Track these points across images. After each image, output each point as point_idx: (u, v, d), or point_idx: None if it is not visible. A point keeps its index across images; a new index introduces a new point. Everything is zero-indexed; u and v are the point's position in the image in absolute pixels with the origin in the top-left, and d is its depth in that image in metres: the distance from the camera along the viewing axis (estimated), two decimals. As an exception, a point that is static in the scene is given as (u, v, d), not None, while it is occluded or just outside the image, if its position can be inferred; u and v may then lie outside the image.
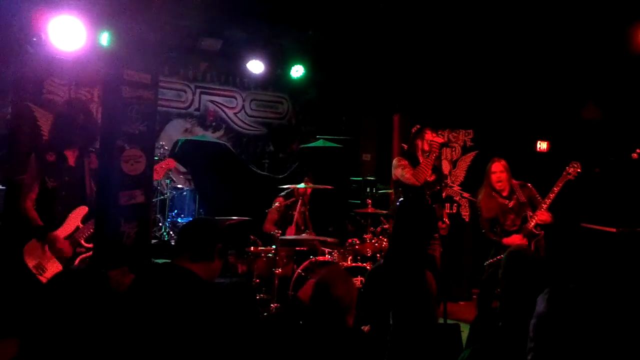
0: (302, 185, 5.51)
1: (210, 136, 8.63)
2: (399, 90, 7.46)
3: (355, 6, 6.15)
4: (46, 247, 4.01)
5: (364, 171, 8.43)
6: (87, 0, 4.81)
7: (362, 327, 3.14)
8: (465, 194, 6.79)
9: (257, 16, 6.46)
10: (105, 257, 3.54)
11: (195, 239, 2.38)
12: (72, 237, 4.09)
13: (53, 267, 3.99)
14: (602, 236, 5.58)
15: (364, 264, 5.03)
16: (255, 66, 7.71)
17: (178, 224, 7.39)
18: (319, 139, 8.03)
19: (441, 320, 3.67)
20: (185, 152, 6.94)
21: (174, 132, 8.46)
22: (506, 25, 6.15)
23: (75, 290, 1.84)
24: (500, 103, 7.06)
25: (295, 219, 5.70)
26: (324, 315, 2.45)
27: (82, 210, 4.16)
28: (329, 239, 5.55)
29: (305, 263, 5.07)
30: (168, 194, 7.61)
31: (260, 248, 5.21)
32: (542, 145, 7.57)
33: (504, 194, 4.85)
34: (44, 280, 3.91)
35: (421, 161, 4.74)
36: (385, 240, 5.20)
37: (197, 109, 8.83)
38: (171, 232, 7.18)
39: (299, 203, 5.65)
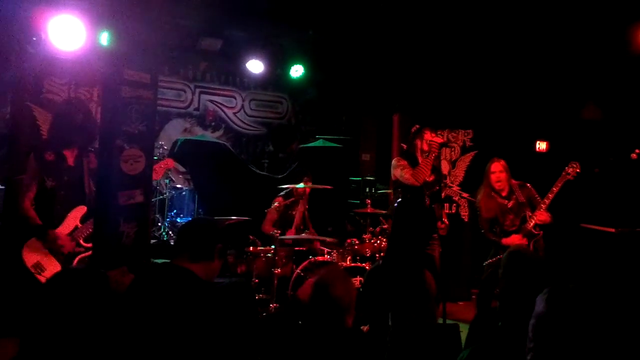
0: (301, 185, 5.50)
1: (209, 136, 8.63)
2: (398, 90, 7.46)
3: (355, 6, 6.15)
4: (45, 247, 4.01)
5: (364, 171, 8.43)
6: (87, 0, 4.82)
7: (362, 327, 3.14)
8: (465, 194, 6.79)
9: (257, 16, 6.46)
10: (105, 257, 3.54)
11: (195, 239, 2.38)
12: (71, 237, 4.09)
13: (52, 267, 3.99)
14: (602, 236, 5.58)
15: (363, 264, 5.03)
16: (255, 66, 7.71)
17: (177, 224, 7.39)
18: (319, 138, 8.02)
19: (440, 320, 3.67)
20: (185, 152, 6.94)
21: (173, 132, 8.46)
22: (506, 25, 6.15)
23: (75, 290, 1.84)
24: (500, 103, 7.06)
25: (295, 220, 5.71)
26: (323, 315, 2.45)
27: (81, 209, 4.16)
28: (328, 239, 5.56)
29: (305, 263, 5.08)
30: (167, 194, 7.62)
31: (259, 248, 5.22)
32: (541, 146, 7.57)
33: (503, 194, 4.85)
34: (42, 279, 3.91)
35: (420, 161, 4.74)
36: (384, 240, 5.20)
37: (197, 109, 8.84)
38: (170, 232, 7.18)
39: (301, 203, 5.66)
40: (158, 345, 2.07)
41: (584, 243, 5.81)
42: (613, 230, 5.46)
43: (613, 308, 1.46)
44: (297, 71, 8.03)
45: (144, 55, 3.75)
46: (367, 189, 7.72)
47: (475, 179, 5.76)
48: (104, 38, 4.70)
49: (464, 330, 2.70)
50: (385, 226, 5.39)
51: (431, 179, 4.72)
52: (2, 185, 4.76)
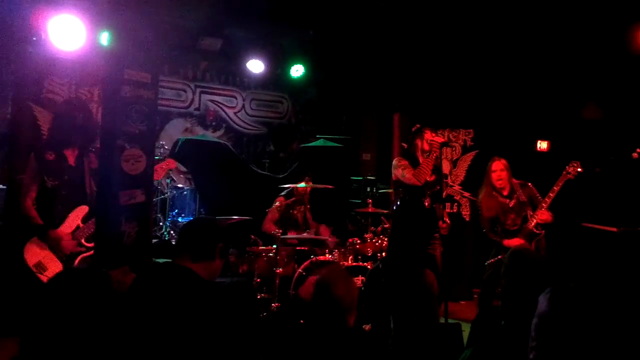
0: (302, 184, 5.50)
1: (210, 136, 8.62)
2: (399, 89, 7.46)
3: (356, 6, 6.15)
4: (47, 246, 4.02)
5: (364, 171, 8.42)
6: (87, -1, 4.82)
7: (363, 326, 3.14)
8: (466, 194, 6.80)
9: (257, 15, 6.45)
10: (106, 257, 3.54)
11: (196, 238, 2.38)
12: (72, 237, 4.09)
13: (53, 266, 4.00)
14: (603, 236, 5.58)
15: (365, 264, 5.02)
16: (255, 65, 7.71)
17: (178, 224, 7.39)
18: (319, 138, 8.01)
19: (442, 320, 3.67)
20: (186, 152, 6.93)
21: (174, 132, 8.45)
22: (506, 25, 6.15)
23: (76, 290, 1.84)
24: (501, 102, 7.06)
25: (299, 220, 5.73)
26: (324, 315, 2.44)
27: (83, 209, 4.16)
28: (329, 239, 5.55)
29: (306, 263, 5.07)
30: (168, 194, 7.61)
31: (261, 247, 5.21)
32: (542, 145, 7.58)
33: (505, 193, 4.85)
34: (44, 279, 3.91)
35: (421, 161, 4.73)
36: (385, 239, 5.19)
37: (197, 109, 8.83)
38: (172, 232, 7.19)
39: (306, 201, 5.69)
40: (160, 344, 2.07)
41: (586, 242, 5.80)
42: (615, 229, 5.46)
43: (615, 307, 1.46)
44: (297, 71, 8.03)
45: (144, 55, 3.75)
46: (368, 189, 7.71)
47: (476, 178, 5.76)
48: (104, 38, 4.70)
49: (465, 330, 2.70)
50: (387, 225, 5.38)
51: (432, 178, 4.71)
52: (3, 185, 4.76)
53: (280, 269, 4.99)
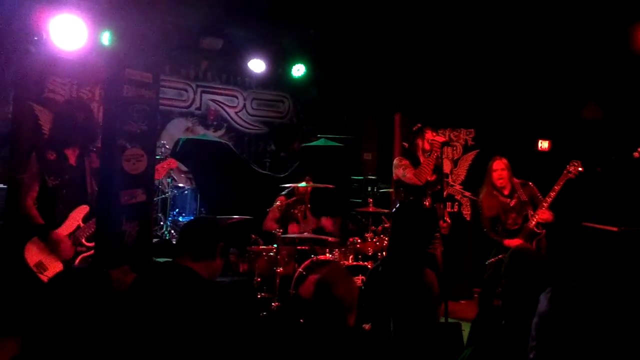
0: (303, 184, 5.50)
1: (211, 135, 8.62)
2: (400, 89, 7.46)
3: (357, 5, 6.15)
4: (47, 246, 4.02)
5: (365, 170, 8.42)
6: (89, -1, 4.82)
7: (363, 326, 3.14)
8: (467, 193, 6.80)
9: (258, 15, 6.45)
10: (107, 256, 3.54)
11: (197, 238, 2.38)
12: (73, 236, 4.10)
13: (54, 266, 4.00)
14: (604, 235, 5.57)
15: (365, 263, 5.02)
16: (257, 65, 7.70)
17: (179, 223, 7.40)
18: (320, 138, 8.01)
19: (442, 319, 3.67)
20: (187, 151, 6.94)
21: (175, 131, 8.46)
22: (507, 25, 6.15)
23: (77, 289, 1.84)
24: (502, 102, 7.06)
25: (300, 219, 5.72)
26: (325, 314, 2.45)
27: (83, 209, 4.17)
28: (330, 238, 5.55)
29: (307, 262, 5.07)
30: (169, 193, 7.62)
31: (261, 247, 5.22)
32: (543, 144, 7.57)
33: (505, 192, 4.85)
34: (45, 278, 3.92)
35: (422, 161, 4.73)
36: (386, 239, 5.19)
37: (199, 108, 8.84)
38: (172, 231, 7.19)
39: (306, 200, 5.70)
40: (160, 344, 2.08)
41: (587, 242, 5.80)
42: (615, 229, 5.46)
43: (616, 306, 1.46)
44: (298, 70, 8.02)
45: (145, 54, 3.75)
46: (369, 188, 7.71)
47: (477, 177, 5.76)
48: (106, 37, 4.69)
49: (466, 329, 2.70)
50: (387, 225, 5.39)
51: (433, 178, 4.71)
52: (4, 185, 4.77)
53: (281, 269, 4.99)
